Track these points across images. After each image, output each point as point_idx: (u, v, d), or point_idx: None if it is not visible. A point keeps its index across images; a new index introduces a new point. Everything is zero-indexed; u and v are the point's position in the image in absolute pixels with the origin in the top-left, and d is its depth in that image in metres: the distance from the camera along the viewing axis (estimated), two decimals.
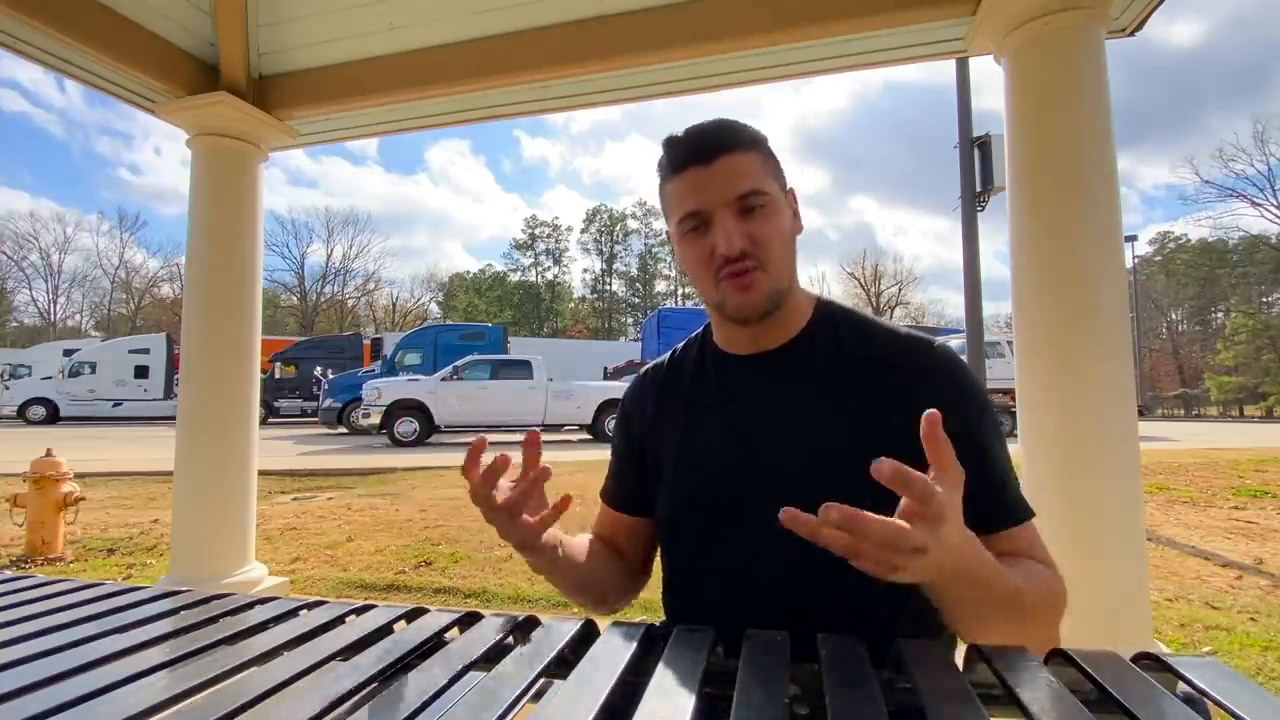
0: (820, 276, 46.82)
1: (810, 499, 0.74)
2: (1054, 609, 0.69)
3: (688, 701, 0.46)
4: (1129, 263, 26.12)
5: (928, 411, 0.56)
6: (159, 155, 70.25)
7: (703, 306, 0.89)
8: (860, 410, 0.76)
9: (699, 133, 0.80)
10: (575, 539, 0.87)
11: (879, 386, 0.77)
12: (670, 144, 0.81)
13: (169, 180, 68.42)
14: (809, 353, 0.83)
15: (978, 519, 0.69)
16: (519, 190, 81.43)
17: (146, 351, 19.78)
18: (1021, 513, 0.74)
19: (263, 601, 0.75)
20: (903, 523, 0.53)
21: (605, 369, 17.97)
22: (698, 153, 0.78)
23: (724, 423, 0.84)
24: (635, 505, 0.94)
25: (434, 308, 49.30)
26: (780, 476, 0.77)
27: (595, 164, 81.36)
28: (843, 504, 0.73)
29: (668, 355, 0.99)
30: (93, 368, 19.08)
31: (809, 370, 0.81)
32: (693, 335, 0.97)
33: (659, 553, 0.94)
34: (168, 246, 47.63)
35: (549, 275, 52.09)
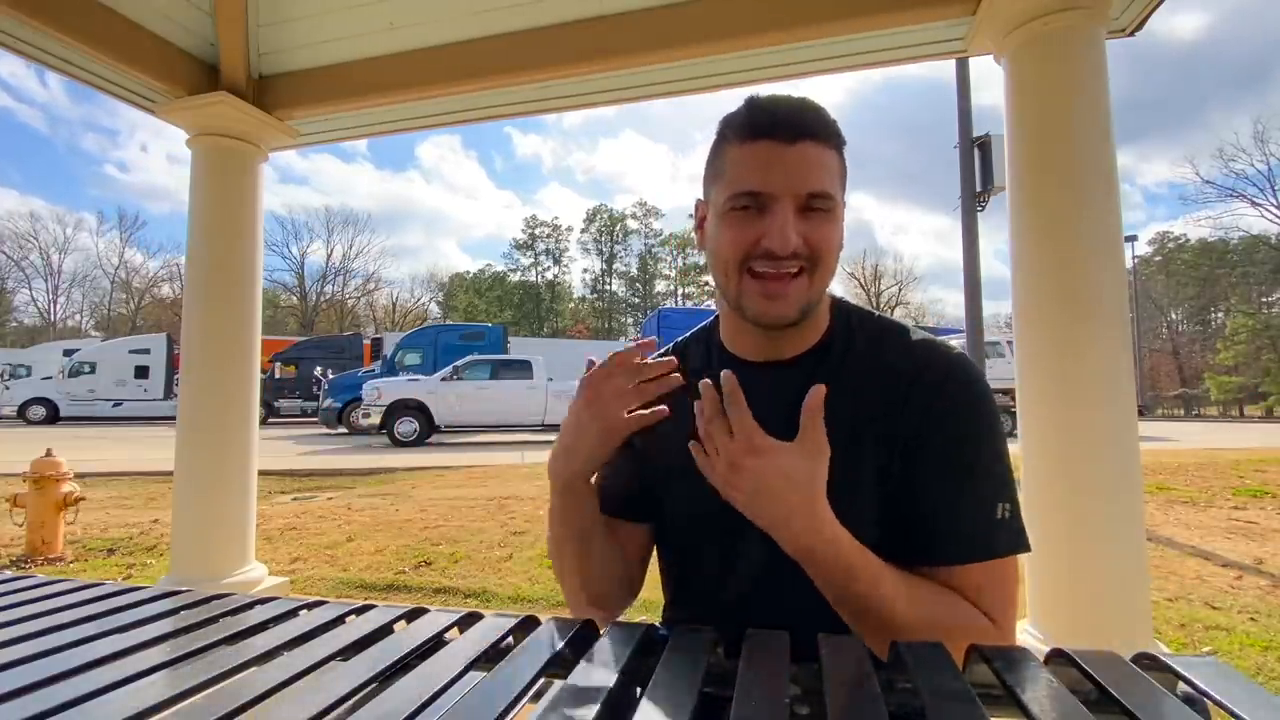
0: None
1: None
2: (943, 638, 0.59)
3: (688, 701, 0.46)
4: (1129, 263, 26.12)
5: (816, 386, 0.65)
6: (145, 152, 69.96)
7: (702, 306, 0.82)
8: (868, 423, 0.73)
9: (790, 106, 0.70)
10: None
11: (884, 397, 0.73)
12: (754, 106, 0.71)
13: (158, 178, 68.22)
14: (826, 363, 0.77)
15: (910, 547, 0.70)
16: (512, 187, 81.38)
17: (147, 351, 19.81)
18: (978, 549, 0.67)
19: (263, 601, 0.75)
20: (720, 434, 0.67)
21: None
22: (782, 126, 0.68)
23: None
24: (633, 510, 0.88)
25: (434, 308, 49.37)
26: None
27: (589, 161, 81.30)
28: (859, 524, 0.72)
29: (666, 353, 0.91)
30: (93, 368, 19.10)
31: (825, 382, 0.75)
32: (696, 331, 0.91)
33: (656, 557, 0.91)
34: (168, 246, 47.73)
35: (549, 275, 52.15)
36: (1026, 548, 0.69)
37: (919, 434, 0.70)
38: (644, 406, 0.75)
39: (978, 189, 6.49)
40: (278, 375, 19.32)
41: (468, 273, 53.60)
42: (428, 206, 75.59)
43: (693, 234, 0.84)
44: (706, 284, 46.19)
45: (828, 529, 0.64)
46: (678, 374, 0.78)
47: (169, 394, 19.18)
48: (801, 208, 0.69)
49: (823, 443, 0.64)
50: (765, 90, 0.73)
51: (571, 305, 52.43)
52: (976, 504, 0.68)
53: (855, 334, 0.79)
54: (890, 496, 0.72)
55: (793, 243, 0.68)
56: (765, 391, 0.78)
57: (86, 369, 19.07)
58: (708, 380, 0.68)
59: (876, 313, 0.83)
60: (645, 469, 0.87)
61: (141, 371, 19.52)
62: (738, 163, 0.71)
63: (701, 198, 0.79)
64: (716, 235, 0.73)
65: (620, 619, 0.69)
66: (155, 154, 69.04)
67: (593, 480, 0.80)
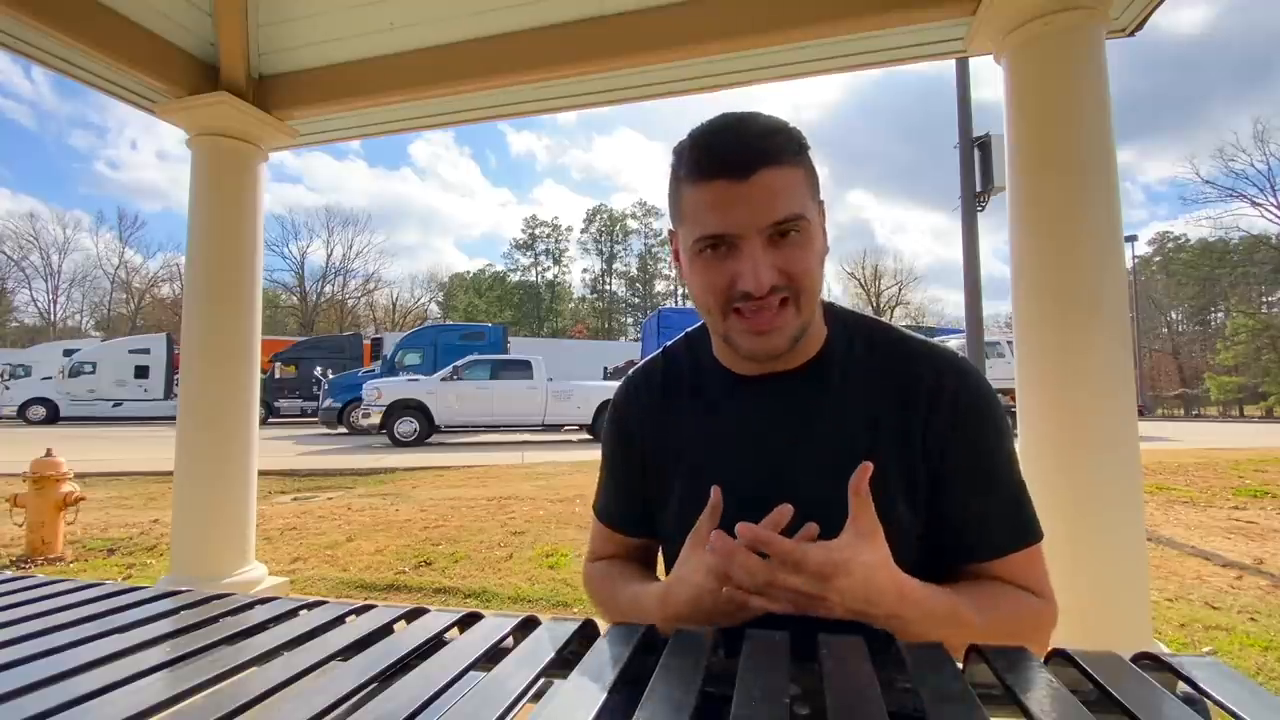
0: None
1: (832, 525, 0.72)
2: (1026, 638, 0.64)
3: (688, 701, 0.46)
4: (1129, 263, 26.14)
5: (862, 464, 0.63)
6: (135, 150, 69.34)
7: None
8: (880, 432, 0.73)
9: (737, 138, 0.66)
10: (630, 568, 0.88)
11: (897, 406, 0.73)
12: (699, 142, 0.68)
13: (148, 175, 67.67)
14: (825, 376, 0.76)
15: (961, 550, 0.73)
16: (507, 185, 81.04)
17: (147, 351, 19.84)
18: (1016, 540, 0.72)
19: (263, 601, 0.75)
20: (791, 576, 0.59)
21: (605, 369, 17.98)
22: (733, 163, 0.64)
23: (739, 450, 0.77)
24: (647, 528, 0.88)
25: (434, 308, 49.35)
26: (801, 505, 0.71)
27: (585, 158, 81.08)
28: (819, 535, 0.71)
29: (657, 361, 0.89)
30: (93, 368, 19.11)
31: (825, 395, 0.75)
32: (686, 338, 0.89)
33: (660, 559, 0.91)
34: (166, 245, 47.72)
35: (549, 275, 52.16)
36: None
37: (946, 446, 0.72)
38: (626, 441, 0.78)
39: (977, 189, 6.49)
40: (278, 375, 19.32)
41: (467, 273, 53.71)
42: (423, 204, 75.47)
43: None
44: None
45: (911, 591, 0.63)
46: (629, 406, 0.87)
47: (169, 394, 19.21)
48: (772, 238, 0.67)
49: (874, 519, 0.62)
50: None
51: (571, 305, 52.43)
52: (1014, 498, 0.73)
53: (854, 340, 0.78)
54: (922, 506, 0.73)
55: (767, 281, 0.66)
56: (765, 403, 0.78)
57: (87, 369, 19.08)
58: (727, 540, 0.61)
59: (868, 316, 0.83)
60: (650, 479, 0.85)
61: (141, 371, 19.54)
62: (695, 205, 0.68)
63: (672, 228, 0.78)
64: (692, 275, 0.72)
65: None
66: (145, 151, 68.66)
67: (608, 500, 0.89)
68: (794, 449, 0.75)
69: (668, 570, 0.90)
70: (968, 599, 0.67)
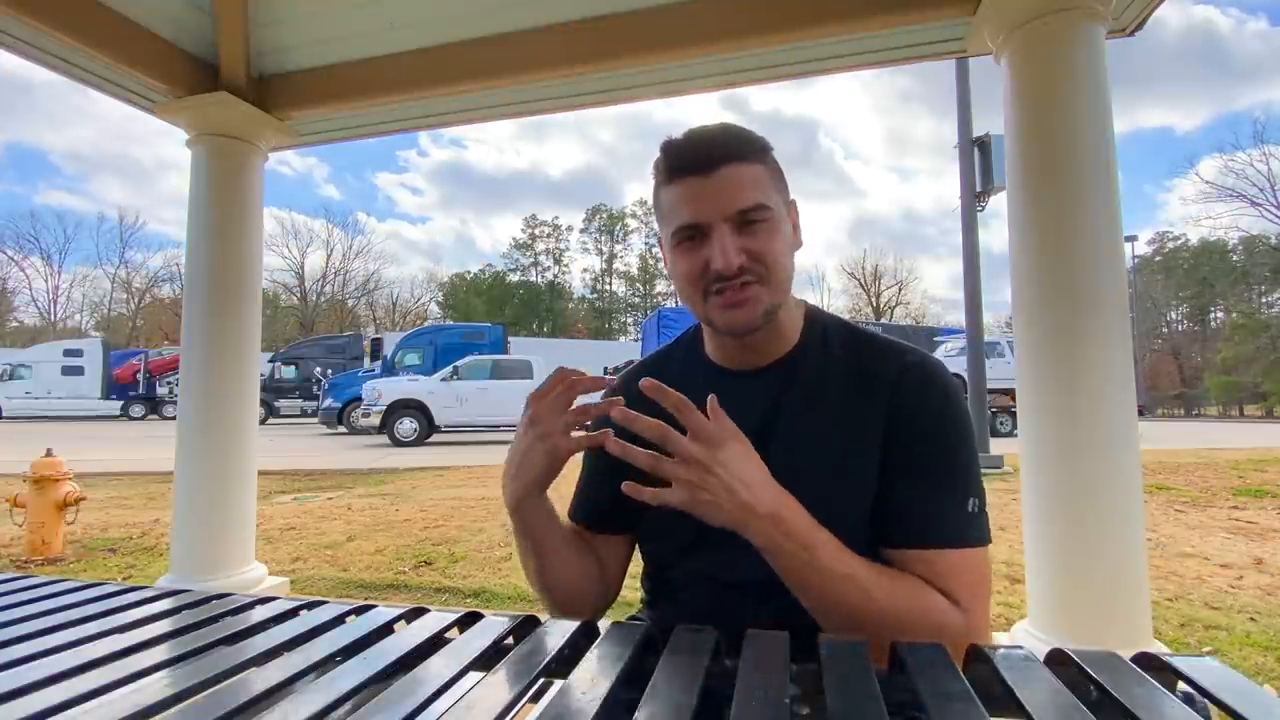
0: (820, 276, 46.96)
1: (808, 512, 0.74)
2: (914, 631, 0.62)
3: (688, 701, 0.46)
4: (1129, 262, 26.14)
5: (710, 395, 0.67)
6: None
7: None
8: (847, 423, 0.76)
9: (700, 139, 0.75)
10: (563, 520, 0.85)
11: (863, 398, 0.76)
12: (669, 149, 0.76)
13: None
14: (802, 368, 0.81)
15: (880, 532, 0.73)
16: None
17: (80, 354, 20.97)
18: (938, 535, 0.70)
19: (263, 601, 0.75)
20: (684, 442, 0.65)
21: (605, 369, 17.99)
22: (698, 161, 0.73)
23: None
24: (615, 524, 0.89)
25: (434, 308, 49.37)
26: None
27: (582, 156, 80.00)
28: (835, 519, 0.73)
29: (649, 361, 0.95)
30: (28, 371, 20.35)
31: (802, 386, 0.79)
32: (676, 341, 0.94)
33: (642, 557, 0.92)
34: (168, 246, 47.39)
35: (549, 275, 52.16)
36: (989, 539, 0.74)
37: (902, 433, 0.74)
38: (597, 427, 0.76)
39: (978, 189, 6.50)
40: (277, 375, 19.33)
41: (468, 272, 53.69)
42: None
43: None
44: None
45: (792, 500, 0.67)
46: (618, 395, 0.79)
47: (106, 394, 20.56)
48: (738, 225, 0.73)
49: (734, 427, 0.67)
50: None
51: (571, 305, 52.43)
52: (951, 497, 0.72)
53: (830, 340, 0.82)
54: (876, 495, 0.75)
55: (735, 261, 0.72)
56: (742, 397, 0.80)
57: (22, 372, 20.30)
58: (623, 411, 0.68)
59: (844, 318, 0.87)
60: (625, 476, 0.86)
61: (74, 371, 20.63)
62: (670, 202, 0.76)
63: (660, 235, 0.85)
64: (674, 268, 0.79)
65: (620, 619, 0.69)
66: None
67: (543, 493, 0.80)
68: (765, 439, 0.77)
69: (649, 570, 0.91)
70: (866, 562, 0.67)
